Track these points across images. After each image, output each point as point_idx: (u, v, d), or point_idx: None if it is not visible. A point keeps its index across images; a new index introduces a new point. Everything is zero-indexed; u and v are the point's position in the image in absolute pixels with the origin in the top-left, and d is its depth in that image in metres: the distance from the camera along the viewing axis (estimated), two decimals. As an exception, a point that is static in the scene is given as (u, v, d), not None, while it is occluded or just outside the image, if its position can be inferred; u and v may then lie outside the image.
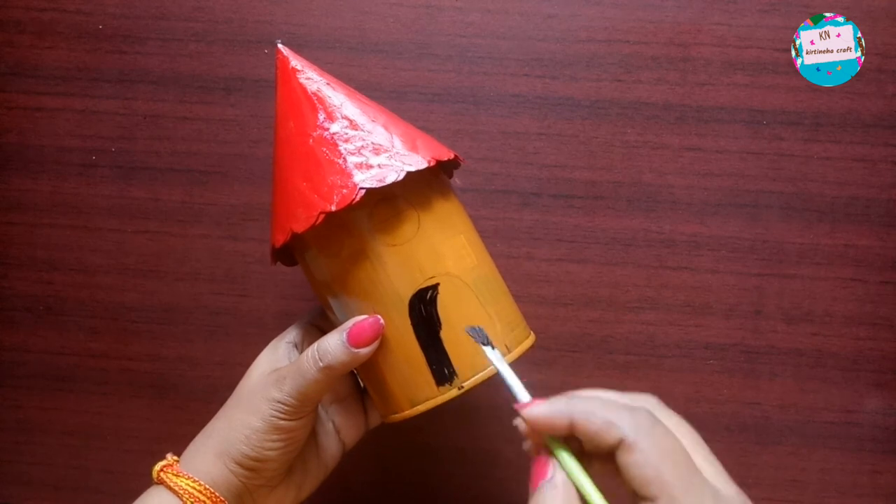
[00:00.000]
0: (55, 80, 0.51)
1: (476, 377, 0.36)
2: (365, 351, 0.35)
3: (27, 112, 0.51)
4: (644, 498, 0.29)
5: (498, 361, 0.34)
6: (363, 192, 0.34)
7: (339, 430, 0.41)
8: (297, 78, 0.37)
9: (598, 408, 0.30)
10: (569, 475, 0.30)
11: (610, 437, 0.29)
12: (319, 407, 0.41)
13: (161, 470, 0.38)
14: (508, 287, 0.39)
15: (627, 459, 0.29)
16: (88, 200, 0.51)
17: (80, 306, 0.51)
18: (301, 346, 0.40)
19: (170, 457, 0.39)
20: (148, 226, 0.51)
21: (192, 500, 0.36)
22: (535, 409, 0.31)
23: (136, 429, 0.51)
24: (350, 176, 0.34)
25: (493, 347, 0.35)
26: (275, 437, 0.37)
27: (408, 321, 0.35)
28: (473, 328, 0.35)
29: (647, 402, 0.32)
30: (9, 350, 0.52)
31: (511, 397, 0.33)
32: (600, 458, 0.31)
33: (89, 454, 0.51)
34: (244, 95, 0.50)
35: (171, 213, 0.51)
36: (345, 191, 0.34)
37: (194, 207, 0.51)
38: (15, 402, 0.52)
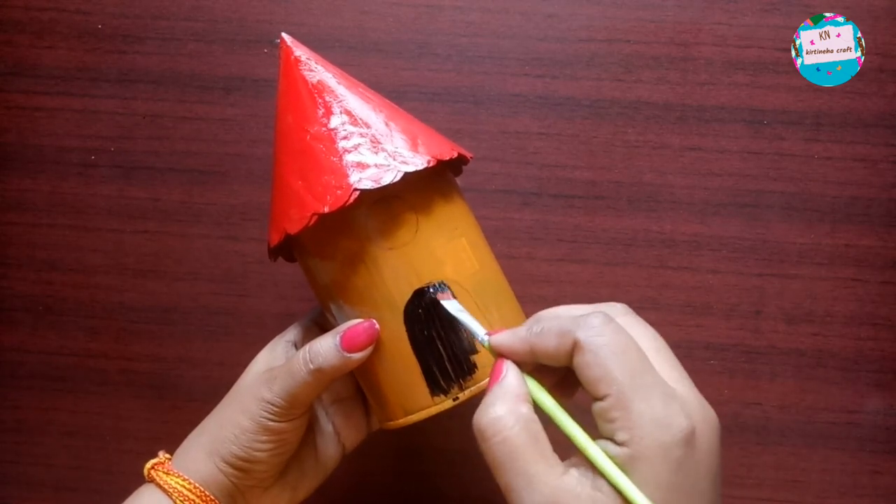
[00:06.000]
0: (54, 79, 0.51)
1: (471, 388, 0.34)
2: (357, 356, 0.34)
3: (26, 112, 0.51)
4: (596, 399, 0.27)
5: (457, 311, 0.33)
6: (357, 193, 0.33)
7: (339, 432, 0.40)
8: (300, 69, 0.35)
9: (552, 324, 0.29)
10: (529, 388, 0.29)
11: (566, 346, 0.28)
12: (319, 407, 0.40)
13: (152, 468, 0.37)
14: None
15: (579, 361, 0.27)
16: (88, 200, 0.51)
17: (79, 306, 0.51)
18: (300, 346, 0.39)
19: (161, 454, 0.38)
20: (147, 226, 0.51)
21: (182, 498, 0.36)
22: (496, 337, 0.30)
23: (135, 429, 0.51)
24: (345, 175, 0.33)
25: (451, 297, 0.34)
26: (264, 437, 0.36)
27: (403, 327, 0.34)
28: (434, 284, 0.34)
29: (613, 308, 0.31)
30: (8, 350, 0.51)
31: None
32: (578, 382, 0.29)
33: (88, 454, 0.51)
34: (244, 95, 0.50)
35: (171, 212, 0.51)
36: (339, 191, 0.33)
37: (194, 207, 0.50)
38: (14, 402, 0.51)
